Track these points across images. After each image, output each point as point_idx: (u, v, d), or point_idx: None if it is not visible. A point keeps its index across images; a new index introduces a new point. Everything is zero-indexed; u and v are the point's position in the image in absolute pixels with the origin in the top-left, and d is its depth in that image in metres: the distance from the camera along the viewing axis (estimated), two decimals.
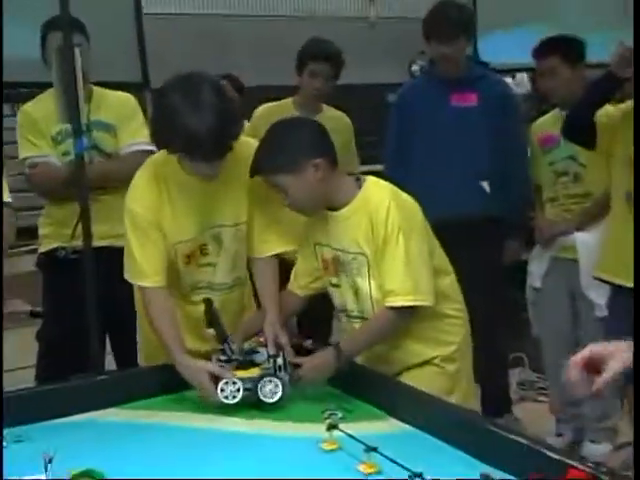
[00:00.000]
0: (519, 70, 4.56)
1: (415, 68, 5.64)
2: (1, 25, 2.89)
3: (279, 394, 2.06)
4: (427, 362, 2.28)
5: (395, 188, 2.25)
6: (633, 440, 1.56)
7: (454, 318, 2.32)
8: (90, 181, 2.74)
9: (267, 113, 3.51)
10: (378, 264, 2.16)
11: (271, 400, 2.06)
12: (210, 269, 2.35)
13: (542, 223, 3.39)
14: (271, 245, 2.37)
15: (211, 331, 2.16)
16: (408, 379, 2.22)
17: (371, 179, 2.27)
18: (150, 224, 2.22)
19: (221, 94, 2.12)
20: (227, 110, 2.11)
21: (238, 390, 2.03)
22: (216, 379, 2.04)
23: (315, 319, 3.22)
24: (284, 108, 3.50)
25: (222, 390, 2.02)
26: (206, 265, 2.34)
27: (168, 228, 2.25)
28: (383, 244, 2.14)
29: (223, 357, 2.11)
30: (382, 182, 2.27)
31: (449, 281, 2.32)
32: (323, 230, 2.28)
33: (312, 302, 2.44)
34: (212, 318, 2.16)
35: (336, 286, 2.29)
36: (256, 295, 2.45)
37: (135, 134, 3.13)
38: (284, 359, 2.12)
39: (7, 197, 2.20)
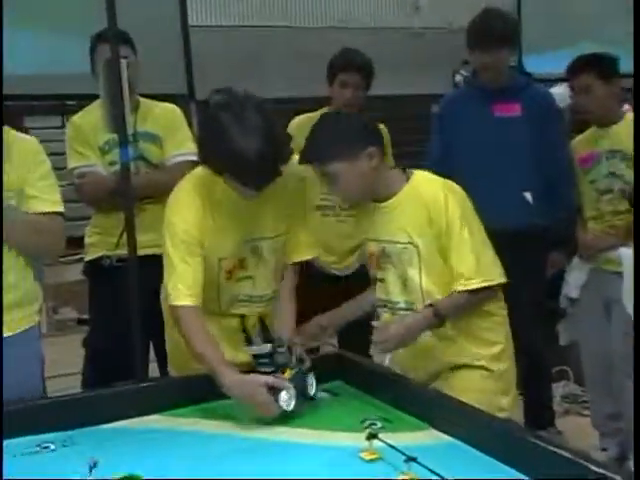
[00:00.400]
0: (563, 80, 4.52)
1: (459, 78, 5.62)
2: (1, 28, 2.92)
3: (314, 384, 2.13)
4: (476, 361, 2.27)
5: (443, 179, 2.28)
6: (634, 441, 1.54)
7: (498, 316, 2.33)
8: (136, 191, 2.78)
9: (304, 124, 3.52)
10: (445, 252, 2.18)
11: (313, 391, 2.13)
12: (249, 282, 2.34)
13: (586, 237, 3.35)
14: (299, 254, 2.39)
15: (250, 348, 2.16)
16: (458, 379, 2.24)
17: (419, 172, 2.30)
18: (193, 239, 2.19)
19: (268, 117, 2.10)
20: (276, 133, 2.11)
21: (291, 395, 2.04)
22: (271, 390, 2.02)
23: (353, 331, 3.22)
24: None
25: (285, 400, 2.02)
26: (245, 278, 2.33)
27: (210, 244, 2.23)
28: (447, 233, 2.17)
29: (268, 369, 2.09)
30: (430, 174, 2.31)
31: None
32: (370, 223, 2.30)
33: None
34: (268, 334, 2.21)
35: (379, 281, 2.30)
36: None
37: (180, 145, 3.18)
38: (297, 351, 2.16)
39: (60, 207, 2.25)
